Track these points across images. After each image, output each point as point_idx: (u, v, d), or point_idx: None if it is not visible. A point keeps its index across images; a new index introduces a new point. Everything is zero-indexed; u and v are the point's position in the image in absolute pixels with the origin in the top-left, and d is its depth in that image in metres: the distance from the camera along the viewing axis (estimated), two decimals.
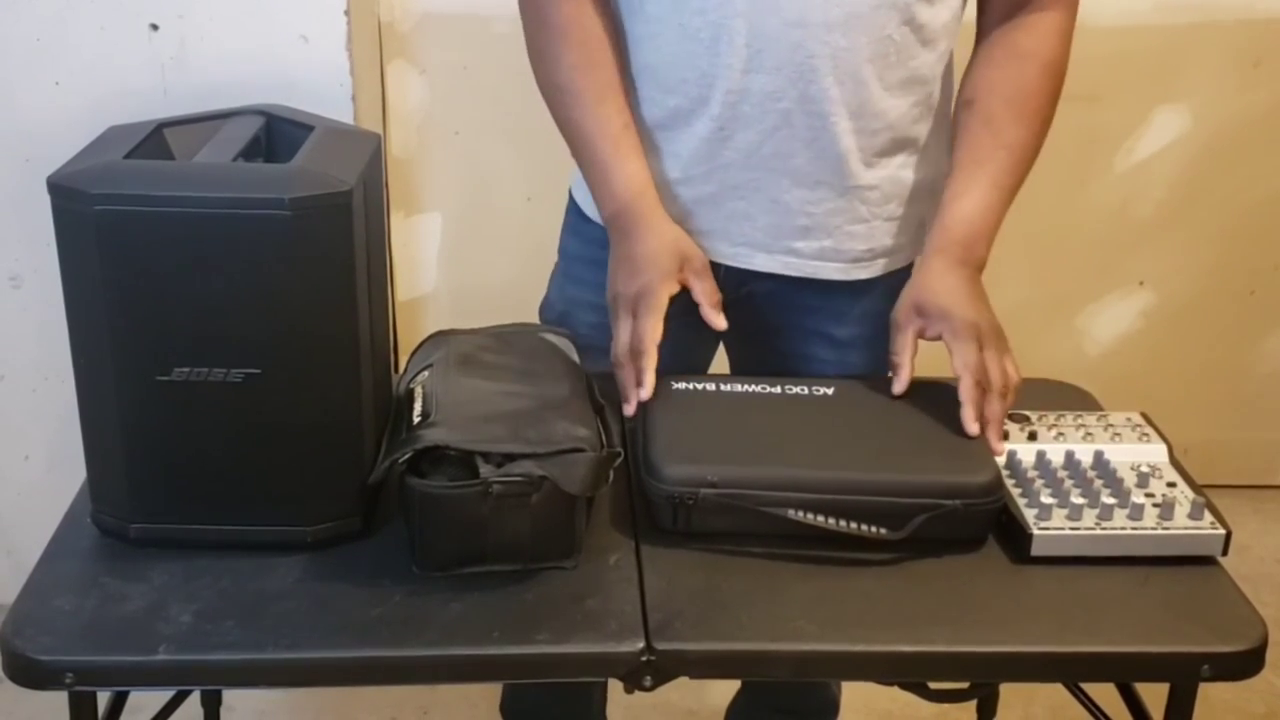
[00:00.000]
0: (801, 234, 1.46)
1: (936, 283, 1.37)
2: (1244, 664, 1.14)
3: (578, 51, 1.41)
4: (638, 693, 1.13)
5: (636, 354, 1.35)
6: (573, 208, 1.60)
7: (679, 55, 1.39)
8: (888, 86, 1.39)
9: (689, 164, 1.44)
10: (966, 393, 1.30)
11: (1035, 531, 1.21)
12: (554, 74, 1.43)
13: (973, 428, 1.28)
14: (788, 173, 1.42)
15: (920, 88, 1.42)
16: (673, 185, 1.46)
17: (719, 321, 1.39)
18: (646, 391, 1.32)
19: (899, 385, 1.36)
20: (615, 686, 1.15)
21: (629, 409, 1.33)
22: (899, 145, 1.44)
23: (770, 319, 1.54)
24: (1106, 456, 1.32)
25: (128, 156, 1.20)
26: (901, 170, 1.46)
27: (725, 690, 2.00)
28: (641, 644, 1.11)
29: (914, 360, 1.37)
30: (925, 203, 1.48)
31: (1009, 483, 1.28)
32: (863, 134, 1.41)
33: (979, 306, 1.37)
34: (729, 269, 1.48)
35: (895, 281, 1.45)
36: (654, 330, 1.35)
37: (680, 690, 1.24)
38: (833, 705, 1.86)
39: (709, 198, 1.45)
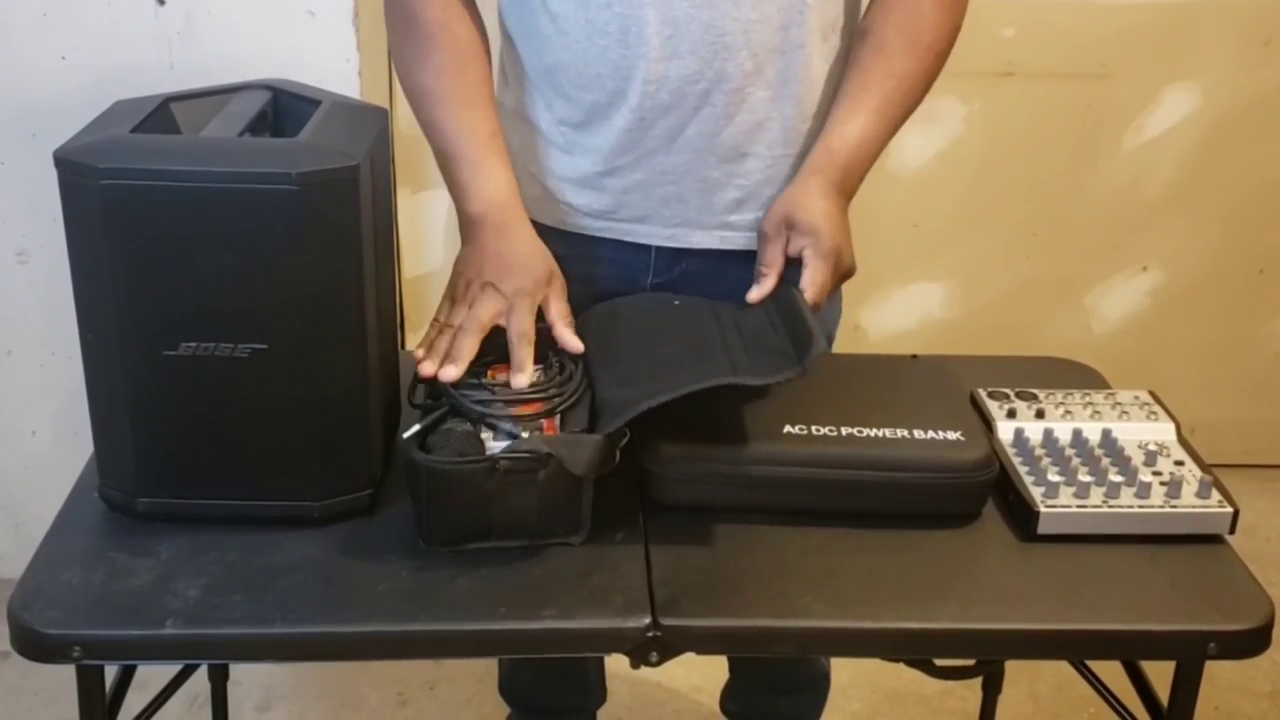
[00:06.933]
0: (734, 207, 1.45)
1: (811, 202, 1.36)
2: (1250, 643, 1.14)
3: (444, 54, 1.39)
4: (644, 668, 1.14)
5: (524, 340, 1.26)
6: None
7: (589, 51, 1.37)
8: (803, 46, 1.38)
9: (612, 156, 1.42)
10: (807, 308, 1.29)
11: (1042, 509, 1.21)
12: (420, 75, 1.40)
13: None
14: (713, 150, 1.41)
15: (837, 38, 1.42)
16: (598, 179, 1.44)
17: (574, 343, 1.31)
18: (455, 371, 1.24)
19: (757, 293, 1.35)
20: (620, 662, 1.15)
21: (437, 373, 1.24)
22: (824, 103, 1.43)
23: (704, 296, 1.51)
24: (1114, 435, 1.32)
25: (134, 131, 1.19)
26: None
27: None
28: (648, 620, 1.12)
29: (779, 273, 1.36)
30: None
31: (1016, 460, 1.28)
32: (785, 100, 1.40)
33: (845, 236, 1.36)
34: (659, 250, 1.47)
35: None
36: (532, 327, 1.29)
37: (686, 666, 1.24)
38: (823, 678, 1.86)
39: (638, 185, 1.43)
